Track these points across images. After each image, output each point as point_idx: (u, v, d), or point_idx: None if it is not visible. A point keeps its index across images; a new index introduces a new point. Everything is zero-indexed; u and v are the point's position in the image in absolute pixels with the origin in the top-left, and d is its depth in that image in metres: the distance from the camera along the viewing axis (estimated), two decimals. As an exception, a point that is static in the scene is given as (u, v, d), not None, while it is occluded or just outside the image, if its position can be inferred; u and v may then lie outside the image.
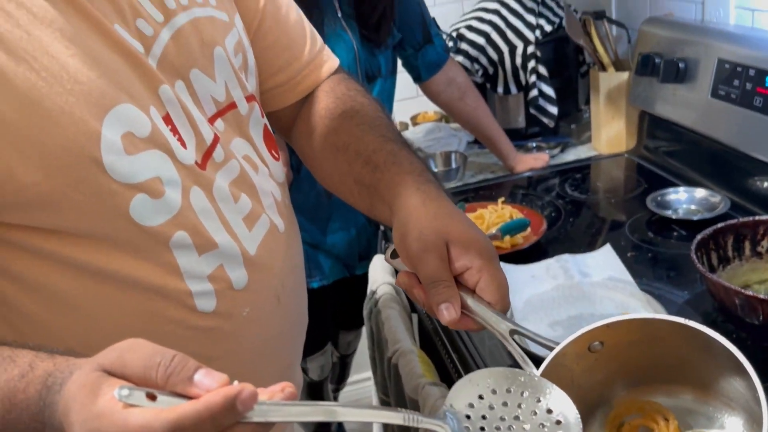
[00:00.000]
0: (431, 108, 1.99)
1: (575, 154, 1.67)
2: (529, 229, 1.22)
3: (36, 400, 0.47)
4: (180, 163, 0.61)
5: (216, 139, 0.67)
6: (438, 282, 0.61)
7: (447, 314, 0.60)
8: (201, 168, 0.64)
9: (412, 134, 2.00)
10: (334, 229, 1.56)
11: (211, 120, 0.69)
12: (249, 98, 0.74)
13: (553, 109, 1.66)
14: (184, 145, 0.62)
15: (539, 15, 1.69)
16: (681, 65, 1.32)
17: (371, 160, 0.74)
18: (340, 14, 1.41)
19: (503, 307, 0.61)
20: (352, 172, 0.76)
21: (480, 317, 0.60)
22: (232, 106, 0.71)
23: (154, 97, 0.60)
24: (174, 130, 0.62)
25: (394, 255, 0.68)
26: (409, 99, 1.98)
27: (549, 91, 1.65)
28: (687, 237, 1.15)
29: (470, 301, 0.61)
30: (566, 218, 1.33)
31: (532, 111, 1.69)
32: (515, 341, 0.58)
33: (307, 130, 0.83)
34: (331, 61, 0.87)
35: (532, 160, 1.59)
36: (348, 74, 0.89)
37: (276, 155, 0.79)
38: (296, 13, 0.85)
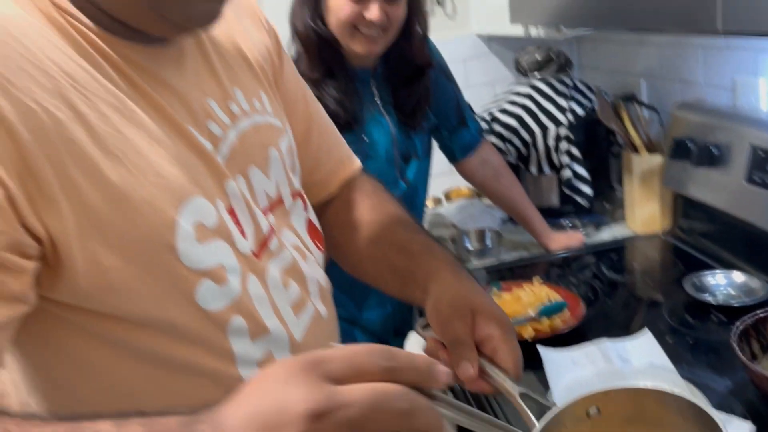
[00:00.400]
0: (465, 183, 2.03)
1: (610, 233, 1.68)
2: (567, 311, 1.23)
3: None
4: (240, 252, 0.66)
5: (271, 230, 0.73)
6: (462, 343, 0.70)
7: (466, 371, 0.68)
8: (257, 257, 0.69)
9: (445, 210, 2.03)
10: (371, 305, 1.58)
11: (264, 213, 0.74)
12: (294, 194, 0.81)
13: (587, 190, 1.69)
14: (244, 235, 0.67)
15: (571, 98, 1.74)
16: (714, 150, 1.34)
17: (406, 249, 0.86)
18: (378, 101, 1.47)
19: (517, 375, 0.69)
20: (386, 259, 0.87)
21: (495, 381, 0.68)
22: (280, 201, 0.77)
23: (221, 190, 0.66)
24: (236, 222, 0.67)
25: (426, 328, 0.77)
26: (443, 175, 2.03)
27: (582, 171, 1.69)
28: (727, 322, 1.15)
29: (488, 367, 0.69)
30: (603, 299, 1.34)
31: (566, 191, 1.72)
32: (525, 404, 0.65)
33: (338, 221, 0.90)
34: (357, 162, 0.99)
35: (567, 240, 1.61)
36: (370, 176, 1.00)
37: (320, 246, 0.85)
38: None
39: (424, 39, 1.46)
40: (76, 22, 0.58)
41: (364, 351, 0.45)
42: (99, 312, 0.58)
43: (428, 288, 0.79)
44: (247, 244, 0.67)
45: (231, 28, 0.76)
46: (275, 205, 0.76)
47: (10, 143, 0.50)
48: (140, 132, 0.59)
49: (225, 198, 0.66)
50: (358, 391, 0.43)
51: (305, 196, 0.84)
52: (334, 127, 0.97)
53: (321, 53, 1.36)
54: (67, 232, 0.54)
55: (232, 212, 0.67)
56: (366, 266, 0.91)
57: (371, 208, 0.92)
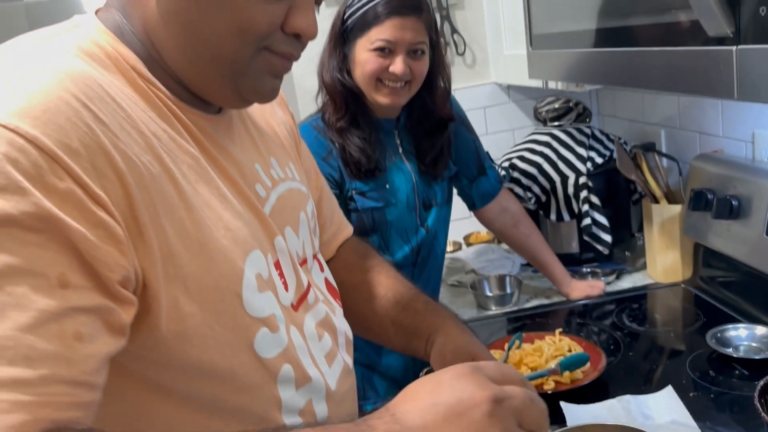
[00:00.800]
0: (484, 228, 2.05)
1: (631, 281, 1.69)
2: (588, 364, 1.23)
3: None
4: (282, 304, 0.71)
5: (309, 285, 0.78)
6: None
7: None
8: (295, 309, 0.74)
9: (464, 255, 2.05)
10: (390, 351, 1.58)
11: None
12: (314, 256, 0.86)
13: (607, 237, 1.70)
14: (286, 288, 0.73)
15: (590, 148, 1.77)
16: (734, 203, 1.35)
17: (410, 307, 0.97)
18: (401, 150, 1.51)
19: None
20: (389, 316, 0.97)
21: None
22: (305, 261, 0.82)
23: (271, 246, 0.72)
24: (281, 275, 0.72)
25: (429, 373, 0.82)
26: (463, 219, 2.05)
27: (602, 219, 1.70)
28: (750, 376, 1.15)
29: None
30: (625, 351, 1.34)
31: (586, 238, 1.73)
32: None
33: (338, 282, 0.94)
34: (350, 227, 1.09)
35: (588, 288, 1.62)
36: (360, 239, 1.11)
37: (339, 303, 0.89)
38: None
39: (447, 94, 1.50)
40: (155, 89, 0.64)
41: (506, 365, 0.64)
42: (166, 362, 0.61)
43: (433, 340, 0.92)
44: (288, 297, 0.72)
45: (259, 106, 0.83)
46: (302, 263, 0.81)
47: (121, 189, 0.55)
48: (211, 189, 0.65)
49: (273, 252, 0.72)
50: (516, 390, 0.58)
51: (321, 258, 0.90)
52: (333, 195, 1.07)
53: (347, 103, 1.41)
54: (157, 276, 0.58)
55: (278, 266, 0.72)
56: (368, 323, 0.99)
57: (369, 269, 1.02)
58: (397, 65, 1.35)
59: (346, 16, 1.39)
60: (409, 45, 1.35)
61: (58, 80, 0.54)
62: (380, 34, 1.34)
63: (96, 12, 0.67)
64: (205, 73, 0.65)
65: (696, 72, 0.86)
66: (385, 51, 1.34)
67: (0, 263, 0.47)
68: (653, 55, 0.94)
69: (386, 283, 1.01)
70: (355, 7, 1.37)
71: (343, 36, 1.40)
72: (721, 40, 0.79)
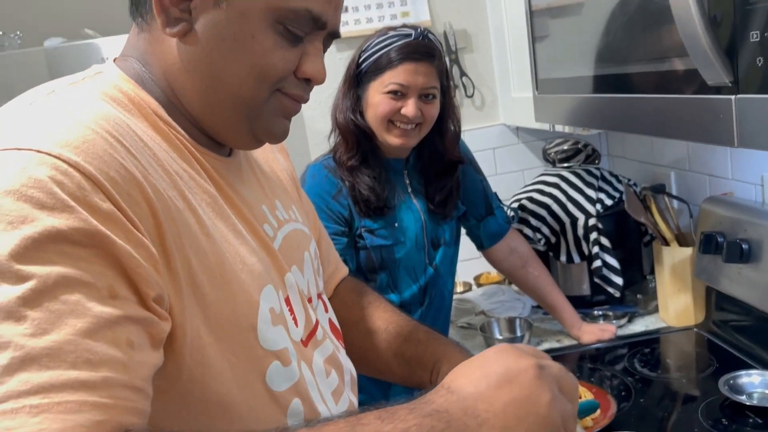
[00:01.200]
0: (494, 269, 2.04)
1: (643, 324, 1.66)
2: (599, 411, 1.21)
3: None
4: (292, 339, 0.72)
5: (317, 322, 0.80)
6: None
7: None
8: (304, 345, 0.75)
9: (474, 296, 2.03)
10: (397, 391, 1.57)
11: None
12: (318, 295, 0.87)
13: (618, 280, 1.68)
14: (296, 323, 0.74)
15: (599, 189, 1.76)
16: (744, 246, 1.34)
17: (412, 338, 0.97)
18: (410, 189, 1.52)
19: None
20: (391, 348, 0.98)
21: None
22: (310, 299, 0.83)
23: (281, 281, 0.74)
24: (291, 311, 0.74)
25: None
26: (472, 259, 2.04)
27: (612, 261, 1.69)
28: (763, 425, 1.13)
29: None
30: (636, 398, 1.31)
31: (597, 280, 1.71)
32: None
33: (340, 319, 0.96)
34: (345, 267, 1.11)
35: (599, 332, 1.59)
36: (354, 278, 1.12)
37: (342, 343, 0.90)
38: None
39: (457, 137, 1.53)
40: (175, 132, 0.68)
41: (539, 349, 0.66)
42: (187, 397, 0.61)
43: (438, 368, 0.92)
44: (298, 332, 0.74)
45: (264, 151, 0.88)
46: (308, 301, 0.82)
47: (152, 219, 0.58)
48: (228, 225, 0.68)
49: (284, 288, 0.74)
50: (552, 361, 0.65)
51: (325, 298, 0.91)
52: (329, 236, 1.09)
53: (358, 143, 1.44)
54: (182, 304, 0.60)
55: (288, 301, 0.74)
56: (371, 358, 1.00)
57: (367, 305, 1.03)
58: (409, 108, 1.38)
59: (360, 60, 1.43)
60: (421, 89, 1.39)
61: (92, 118, 0.58)
62: (394, 77, 1.37)
63: (114, 61, 0.71)
64: (224, 115, 0.69)
65: (696, 119, 0.86)
66: (398, 94, 1.38)
67: (53, 274, 0.50)
68: (654, 102, 0.95)
69: (385, 317, 1.02)
70: (371, 51, 1.41)
71: (357, 78, 1.44)
72: (720, 89, 0.80)
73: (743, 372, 1.27)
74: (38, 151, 0.53)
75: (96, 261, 0.52)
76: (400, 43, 1.38)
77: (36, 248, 0.50)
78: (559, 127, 1.65)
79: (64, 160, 0.53)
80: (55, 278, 0.50)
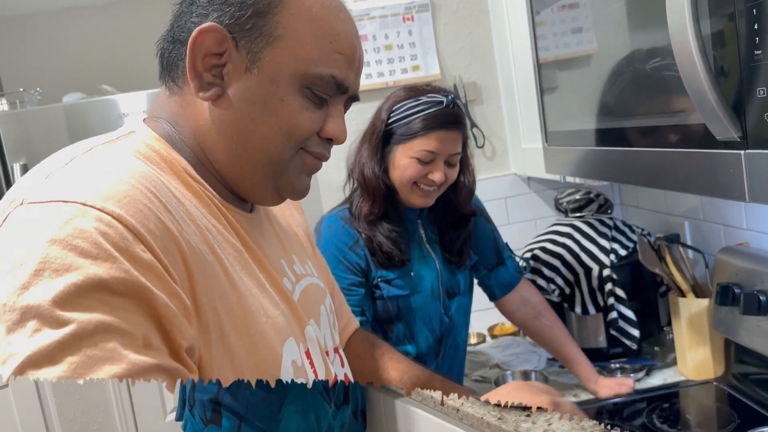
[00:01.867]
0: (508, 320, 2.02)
1: (661, 377, 1.62)
2: (616, 471, 1.17)
3: None
4: None
5: (336, 375, 0.81)
6: None
7: None
8: None
9: (489, 348, 2.00)
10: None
11: None
12: (335, 349, 0.87)
13: (635, 332, 1.65)
14: (316, 376, 0.75)
15: (612, 239, 1.75)
16: (762, 298, 1.31)
17: (428, 386, 0.97)
18: (425, 239, 1.52)
19: None
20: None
21: None
22: (327, 353, 0.84)
23: (302, 335, 0.75)
24: (311, 364, 0.75)
25: None
26: (486, 309, 2.02)
27: (628, 313, 1.66)
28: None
29: None
30: (656, 455, 1.27)
31: (613, 332, 1.68)
32: None
33: (355, 370, 0.96)
34: (356, 320, 1.12)
35: (617, 386, 1.56)
36: (363, 329, 1.13)
37: None
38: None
39: (471, 193, 1.55)
40: (204, 189, 0.71)
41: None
42: None
43: None
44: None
45: (281, 208, 0.90)
46: (325, 355, 0.83)
47: (185, 271, 0.61)
48: (252, 279, 0.70)
49: (304, 341, 0.75)
50: (566, 400, 0.70)
51: (342, 353, 0.90)
52: (341, 290, 1.10)
53: (382, 198, 1.45)
54: (211, 352, 0.61)
55: (308, 355, 0.75)
56: None
57: (380, 356, 1.04)
58: (437, 175, 1.40)
59: (390, 121, 1.44)
60: (448, 156, 1.41)
61: (131, 174, 0.61)
62: (424, 145, 1.39)
63: (144, 121, 0.75)
64: (251, 172, 0.73)
65: (707, 174, 0.85)
66: (426, 160, 1.40)
67: (93, 321, 0.52)
68: (664, 155, 0.94)
69: (400, 367, 1.02)
70: (402, 114, 1.43)
71: (385, 137, 1.45)
72: (729, 144, 0.79)
73: (766, 428, 1.23)
74: (84, 204, 0.55)
75: (134, 311, 0.54)
76: (432, 110, 1.39)
77: (78, 295, 0.52)
78: (570, 177, 1.64)
79: (108, 213, 0.56)
80: (95, 325, 0.51)
